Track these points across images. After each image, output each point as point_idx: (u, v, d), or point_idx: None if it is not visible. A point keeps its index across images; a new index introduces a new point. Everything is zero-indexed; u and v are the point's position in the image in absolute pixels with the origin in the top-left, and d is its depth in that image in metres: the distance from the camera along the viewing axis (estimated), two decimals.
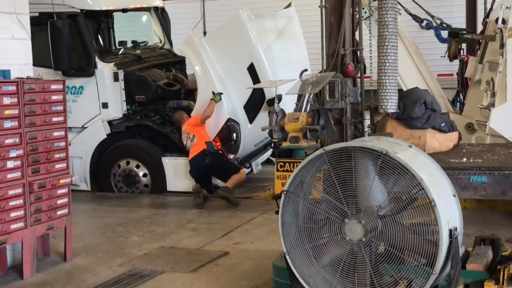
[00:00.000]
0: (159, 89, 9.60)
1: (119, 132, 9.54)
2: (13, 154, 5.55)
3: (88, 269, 5.99)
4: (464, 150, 5.33)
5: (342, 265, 3.99)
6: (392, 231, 3.86)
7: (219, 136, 9.18)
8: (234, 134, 9.16)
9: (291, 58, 9.76)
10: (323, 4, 5.47)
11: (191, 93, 9.89)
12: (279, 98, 7.75)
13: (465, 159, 4.87)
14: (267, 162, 10.02)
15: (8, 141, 5.52)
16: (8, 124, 5.52)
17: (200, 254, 6.34)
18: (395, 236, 3.86)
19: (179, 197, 8.97)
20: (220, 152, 8.86)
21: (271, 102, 8.86)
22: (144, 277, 5.70)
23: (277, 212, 4.27)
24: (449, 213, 3.88)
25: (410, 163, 3.78)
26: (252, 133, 9.24)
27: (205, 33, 11.29)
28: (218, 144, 9.18)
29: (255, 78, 9.19)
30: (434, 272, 3.79)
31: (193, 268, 5.89)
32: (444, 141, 5.32)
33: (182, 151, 9.39)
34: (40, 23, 8.77)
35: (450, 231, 3.81)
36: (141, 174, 9.38)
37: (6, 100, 5.51)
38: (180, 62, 10.54)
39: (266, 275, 5.47)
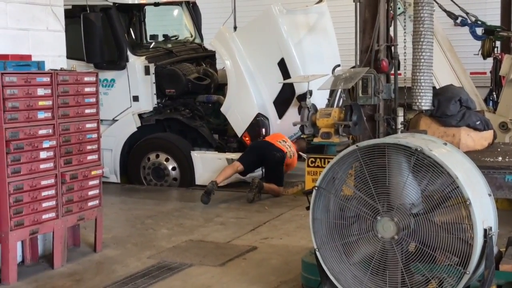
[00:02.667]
0: (189, 83, 9.62)
1: (149, 125, 9.59)
2: (46, 144, 5.60)
3: (117, 260, 6.04)
4: (499, 149, 5.25)
5: (373, 263, 3.96)
6: (425, 230, 3.82)
7: (248, 131, 9.16)
8: (263, 129, 9.15)
9: (322, 53, 9.72)
10: None
11: (221, 88, 9.90)
12: (310, 93, 7.72)
13: (500, 158, 4.79)
14: None
15: (42, 132, 5.57)
16: (41, 115, 5.57)
17: (228, 248, 6.35)
18: (428, 234, 3.82)
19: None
20: (284, 160, 8.69)
21: (301, 97, 8.84)
22: (173, 269, 5.72)
23: (307, 208, 4.26)
24: (484, 212, 3.83)
25: (445, 160, 3.74)
26: (281, 129, 9.22)
27: (235, 27, 11.27)
28: (247, 139, 9.17)
29: (286, 73, 9.17)
30: (467, 272, 3.74)
31: (221, 262, 5.89)
32: (478, 139, 5.25)
33: (211, 145, 9.41)
34: (73, 16, 8.84)
35: (485, 230, 3.76)
36: (170, 167, 9.42)
37: (40, 91, 5.56)
38: (210, 57, 10.56)
39: (294, 270, 5.46)
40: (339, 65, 9.32)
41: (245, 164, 8.61)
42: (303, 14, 9.73)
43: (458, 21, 8.90)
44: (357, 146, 3.99)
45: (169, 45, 10.38)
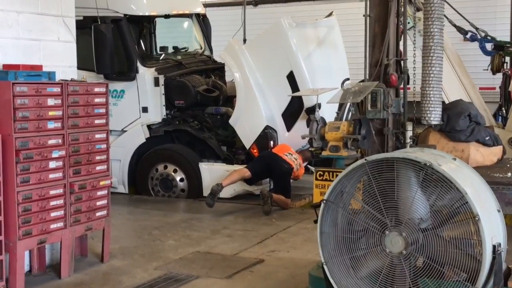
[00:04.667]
0: (198, 95, 9.66)
1: (157, 137, 9.62)
2: (55, 154, 5.62)
3: (124, 271, 6.03)
4: (508, 165, 5.23)
5: (381, 278, 3.94)
6: (433, 245, 3.80)
7: (257, 143, 9.17)
8: (272, 142, 9.16)
9: (331, 67, 9.74)
10: (368, 13, 5.44)
11: (230, 100, 9.92)
12: (319, 106, 7.73)
13: (509, 174, 4.78)
14: None
15: (51, 141, 5.59)
16: (51, 125, 5.59)
17: (235, 261, 6.34)
18: (436, 250, 3.80)
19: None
20: (292, 172, 8.73)
21: (309, 110, 8.85)
22: (180, 281, 5.71)
23: (315, 221, 4.24)
24: (493, 228, 3.81)
25: (454, 176, 3.72)
26: (290, 141, 9.23)
27: (245, 40, 11.33)
28: (255, 151, 9.18)
29: (294, 86, 9.20)
30: None
31: (228, 274, 5.88)
32: (488, 155, 5.23)
33: (219, 157, 9.42)
34: (84, 27, 8.90)
35: (494, 247, 3.73)
36: (178, 178, 9.43)
37: (51, 101, 5.58)
38: (219, 69, 10.60)
39: (301, 284, 5.44)
40: (348, 79, 9.34)
41: (253, 172, 8.63)
42: (313, 28, 9.76)
43: (468, 36, 8.89)
44: (365, 160, 3.99)
45: (179, 57, 10.42)
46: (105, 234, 6.25)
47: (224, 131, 9.73)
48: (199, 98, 9.67)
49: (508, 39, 10.82)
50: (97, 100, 6.07)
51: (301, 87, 9.12)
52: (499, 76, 10.32)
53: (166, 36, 11.15)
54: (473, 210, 3.67)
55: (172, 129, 9.63)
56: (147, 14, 10.03)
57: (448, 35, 8.50)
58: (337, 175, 4.14)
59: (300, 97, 9.15)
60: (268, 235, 7.29)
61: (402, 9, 5.50)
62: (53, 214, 5.62)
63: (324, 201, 4.13)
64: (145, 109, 9.56)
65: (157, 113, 9.58)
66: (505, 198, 4.45)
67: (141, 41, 10.21)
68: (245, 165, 8.83)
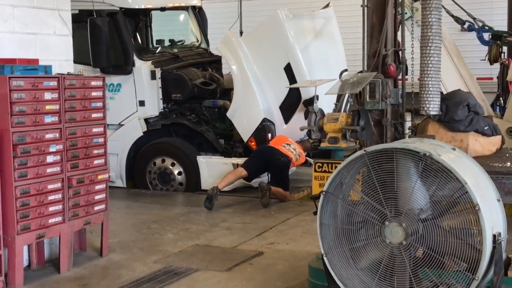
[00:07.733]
0: (196, 88, 9.62)
1: (155, 130, 9.60)
2: (53, 149, 5.60)
3: (123, 265, 6.03)
4: (507, 155, 5.23)
5: (381, 268, 3.93)
6: (433, 235, 3.79)
7: (254, 136, 9.16)
8: (269, 134, 9.14)
9: (329, 58, 9.72)
10: (365, 3, 5.41)
11: (227, 93, 9.91)
12: (317, 98, 7.71)
13: (508, 164, 4.77)
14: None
15: (48, 136, 5.57)
16: (48, 119, 5.57)
17: (234, 253, 6.33)
18: (436, 240, 3.79)
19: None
20: (290, 165, 8.70)
21: (307, 102, 8.84)
22: (179, 274, 5.71)
23: (315, 213, 4.23)
24: (493, 218, 3.80)
25: (454, 166, 3.70)
26: (287, 134, 9.21)
27: (241, 32, 11.29)
28: (253, 144, 9.17)
29: (292, 78, 9.18)
30: (476, 278, 3.71)
31: (227, 267, 5.88)
32: (487, 144, 5.23)
33: (216, 150, 9.41)
34: (80, 21, 8.86)
35: (494, 236, 3.72)
36: (176, 172, 9.42)
37: (47, 95, 5.57)
38: (216, 62, 10.57)
39: (301, 276, 5.44)
40: (346, 70, 9.33)
41: (250, 170, 8.61)
42: (310, 19, 9.73)
43: (465, 26, 8.89)
44: (365, 151, 3.97)
45: (175, 50, 10.38)
46: (103, 228, 6.23)
47: (222, 124, 9.71)
48: (196, 91, 9.63)
49: (505, 29, 10.80)
50: (94, 93, 6.04)
51: (299, 79, 9.10)
52: (497, 66, 10.32)
53: (162, 29, 11.10)
54: (473, 200, 3.65)
55: (170, 122, 9.61)
56: (143, 7, 10.00)
57: (446, 25, 8.49)
58: (336, 167, 4.13)
59: (297, 89, 9.13)
60: (267, 228, 7.29)
61: None
62: (52, 208, 5.60)
63: (324, 193, 4.12)
64: (142, 103, 9.53)
65: (154, 107, 9.55)
66: (505, 188, 4.44)
67: (137, 34, 10.16)
68: (241, 164, 8.78)
